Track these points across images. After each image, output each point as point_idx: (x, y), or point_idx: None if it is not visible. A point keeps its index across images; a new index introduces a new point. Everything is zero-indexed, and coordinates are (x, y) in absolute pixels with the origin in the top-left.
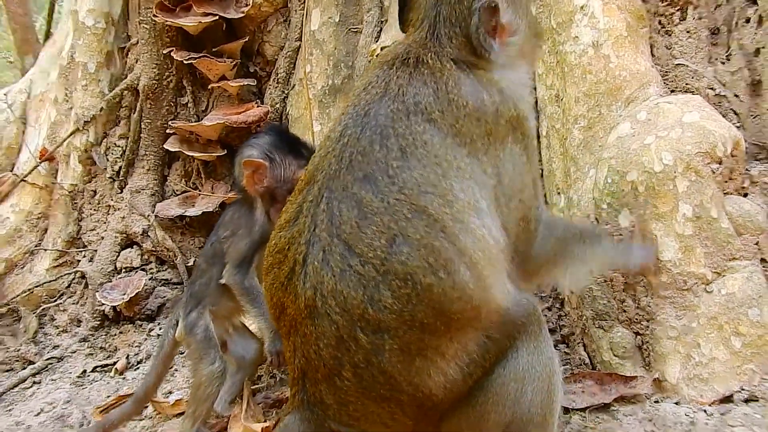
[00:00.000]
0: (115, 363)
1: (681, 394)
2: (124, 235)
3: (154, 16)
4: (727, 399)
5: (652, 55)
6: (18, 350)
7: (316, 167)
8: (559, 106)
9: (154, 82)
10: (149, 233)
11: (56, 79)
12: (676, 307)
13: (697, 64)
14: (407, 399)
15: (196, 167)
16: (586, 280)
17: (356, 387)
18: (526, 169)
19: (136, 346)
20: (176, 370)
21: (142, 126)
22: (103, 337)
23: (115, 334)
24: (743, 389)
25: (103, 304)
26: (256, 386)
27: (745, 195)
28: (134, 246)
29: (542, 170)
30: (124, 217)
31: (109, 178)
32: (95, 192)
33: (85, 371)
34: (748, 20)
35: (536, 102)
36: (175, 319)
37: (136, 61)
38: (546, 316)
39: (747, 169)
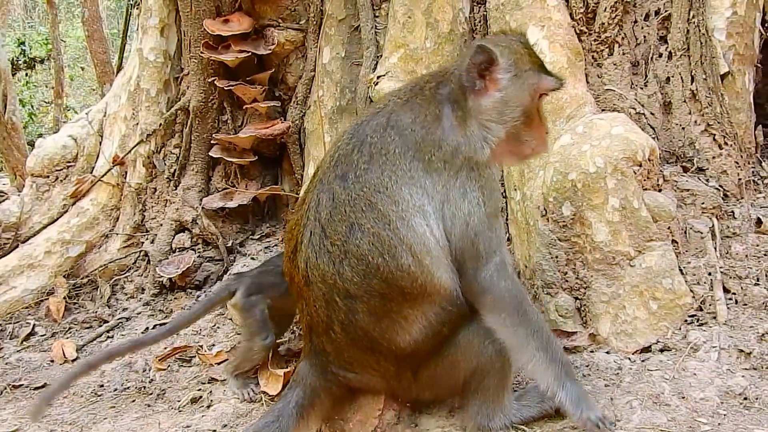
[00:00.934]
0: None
1: (611, 346)
2: (178, 222)
3: (201, 53)
4: (646, 349)
5: (587, 82)
6: (95, 312)
7: (321, 165)
8: None
9: (201, 103)
10: (197, 221)
11: (126, 101)
12: (607, 278)
13: (621, 89)
14: (385, 350)
15: (234, 170)
16: (518, 361)
17: (345, 339)
18: (477, 202)
19: (187, 309)
20: (218, 327)
21: (192, 138)
22: (162, 302)
23: (171, 300)
24: (659, 341)
25: (162, 276)
26: (280, 340)
27: (660, 190)
28: (186, 231)
29: (503, 174)
30: (177, 209)
31: (167, 178)
32: (155, 189)
33: (147, 329)
34: (660, 55)
35: None
36: (234, 288)
37: (188, 88)
38: None
39: (661, 170)
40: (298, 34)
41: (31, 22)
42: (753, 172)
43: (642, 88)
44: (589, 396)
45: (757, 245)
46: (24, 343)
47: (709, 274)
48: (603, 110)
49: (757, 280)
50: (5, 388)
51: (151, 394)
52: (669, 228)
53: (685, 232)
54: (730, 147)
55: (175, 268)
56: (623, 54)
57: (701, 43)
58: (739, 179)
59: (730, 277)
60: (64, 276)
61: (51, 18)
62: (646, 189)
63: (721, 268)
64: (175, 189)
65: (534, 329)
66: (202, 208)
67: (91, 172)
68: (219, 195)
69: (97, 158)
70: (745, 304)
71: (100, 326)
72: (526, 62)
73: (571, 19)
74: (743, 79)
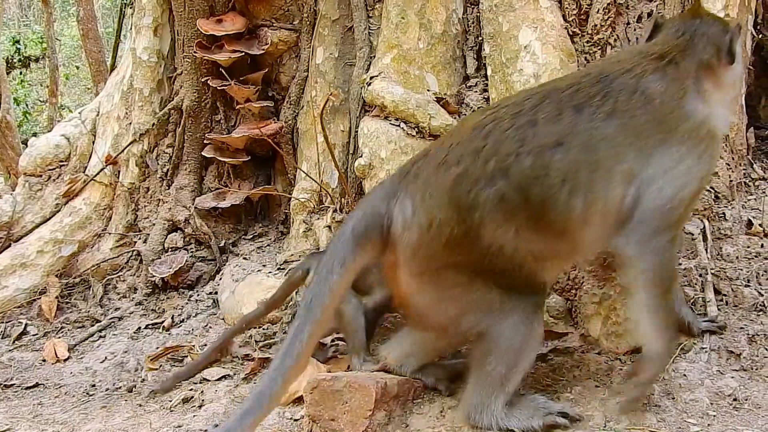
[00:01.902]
0: (163, 322)
1: (602, 347)
2: (171, 222)
3: (194, 52)
4: (637, 350)
5: None
6: (88, 311)
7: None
8: None
9: (194, 103)
10: (190, 221)
11: (119, 100)
12: (598, 279)
13: None
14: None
15: (227, 170)
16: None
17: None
18: (699, 175)
19: (180, 309)
20: (210, 327)
21: (185, 138)
22: (154, 301)
23: (164, 299)
24: None
25: (154, 275)
26: None
27: None
28: (178, 231)
29: None
30: (170, 208)
31: (159, 178)
32: (148, 189)
33: (139, 328)
34: None
35: None
36: (307, 266)
37: (181, 87)
38: None
39: None
40: (292, 34)
41: (26, 20)
42: (744, 173)
43: None
44: None
45: (748, 247)
46: (16, 342)
47: (700, 275)
48: None
49: (748, 281)
50: None
51: (143, 393)
52: None
53: None
54: (721, 149)
55: (167, 267)
56: None
57: None
58: (731, 181)
59: (721, 279)
60: (56, 275)
61: (46, 16)
62: None
63: (712, 269)
64: (168, 188)
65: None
66: (195, 207)
67: (84, 172)
68: (212, 195)
69: (90, 157)
70: (736, 306)
71: (93, 326)
72: None
73: (564, 21)
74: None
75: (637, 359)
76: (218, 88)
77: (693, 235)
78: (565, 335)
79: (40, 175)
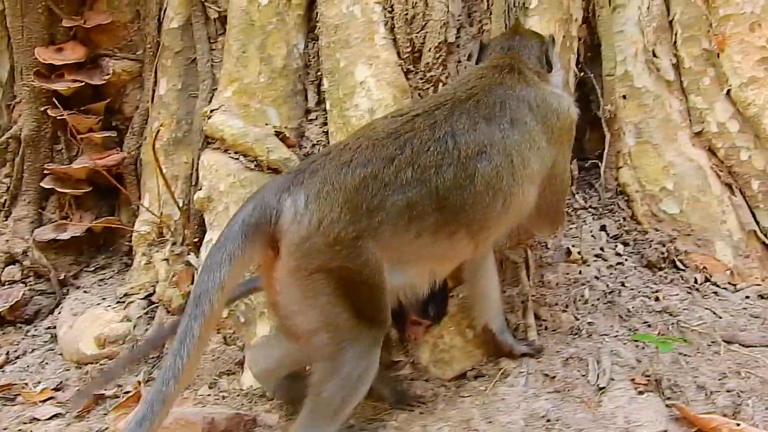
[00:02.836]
0: None
1: (430, 373)
2: (8, 254)
3: (32, 81)
4: (462, 376)
5: None
6: None
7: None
8: None
9: (33, 132)
10: (28, 253)
11: None
12: None
13: None
14: None
15: (68, 201)
16: None
17: None
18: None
19: (15, 345)
20: (46, 363)
21: (24, 168)
22: None
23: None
24: (474, 368)
25: None
26: None
27: None
28: (16, 263)
29: None
30: (8, 240)
31: None
32: None
33: None
34: None
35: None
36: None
37: (20, 116)
38: None
39: None
40: (135, 64)
41: None
42: (567, 203)
43: None
44: None
45: (567, 274)
46: None
47: (522, 302)
48: None
49: (566, 306)
50: None
51: None
52: None
53: (502, 263)
54: None
55: (2, 301)
56: None
57: None
58: None
59: (541, 305)
60: None
61: None
62: None
63: (533, 296)
64: (6, 220)
65: None
66: (34, 239)
67: None
68: (51, 226)
69: None
70: (554, 330)
71: None
72: None
73: (398, 58)
74: None
75: None
76: (58, 117)
77: (516, 263)
78: (397, 363)
79: None
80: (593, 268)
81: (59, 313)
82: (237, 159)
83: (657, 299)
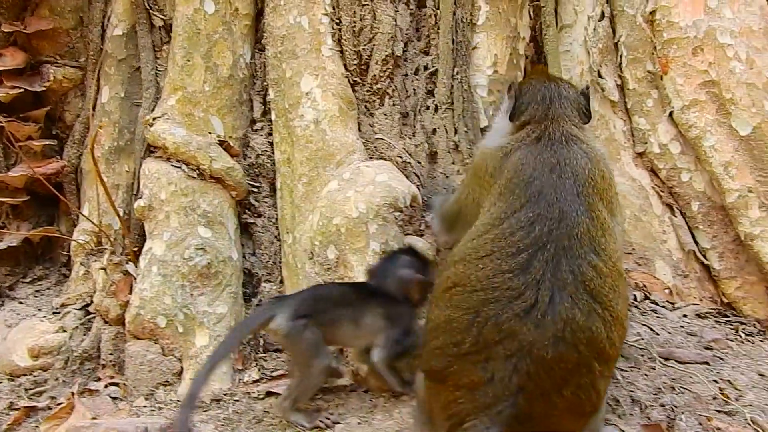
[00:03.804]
0: None
1: (369, 384)
2: None
3: None
4: None
5: (360, 131)
6: None
7: None
8: (289, 167)
9: None
10: None
11: None
12: None
13: (391, 138)
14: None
15: (5, 210)
16: None
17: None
18: None
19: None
20: None
21: None
22: None
23: None
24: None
25: None
26: None
27: (421, 235)
28: None
29: (277, 216)
30: None
31: None
32: None
33: None
34: (428, 108)
35: (275, 163)
36: (272, 313)
37: None
38: None
39: (423, 216)
40: (77, 71)
41: None
42: None
43: (410, 138)
44: None
45: None
46: None
47: None
48: (372, 158)
49: None
50: None
51: None
52: None
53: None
54: None
55: None
56: (393, 105)
57: (464, 98)
58: None
59: None
60: None
61: None
62: (407, 234)
63: None
64: None
65: None
66: None
67: None
68: None
69: None
70: None
71: None
72: None
73: (345, 70)
74: None
75: None
76: None
77: None
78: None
79: None
80: None
81: None
82: (179, 167)
83: None
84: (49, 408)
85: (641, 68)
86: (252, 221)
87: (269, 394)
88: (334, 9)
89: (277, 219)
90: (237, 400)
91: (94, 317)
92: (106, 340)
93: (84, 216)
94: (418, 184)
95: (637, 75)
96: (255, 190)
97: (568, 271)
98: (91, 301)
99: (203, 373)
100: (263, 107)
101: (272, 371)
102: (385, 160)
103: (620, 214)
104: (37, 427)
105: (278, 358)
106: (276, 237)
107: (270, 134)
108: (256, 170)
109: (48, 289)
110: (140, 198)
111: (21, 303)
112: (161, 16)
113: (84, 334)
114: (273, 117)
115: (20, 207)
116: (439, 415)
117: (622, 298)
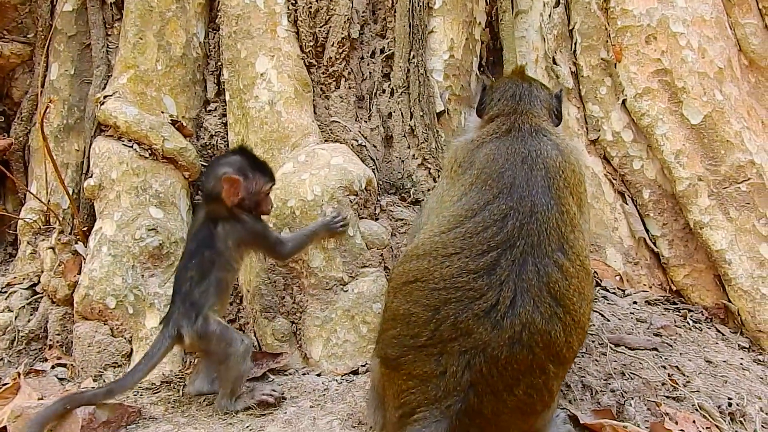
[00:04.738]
0: None
1: (322, 368)
2: None
3: None
4: (355, 371)
5: (315, 113)
6: None
7: None
8: None
9: None
10: None
11: None
12: (321, 302)
13: (347, 121)
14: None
15: None
16: None
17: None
18: None
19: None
20: None
21: None
22: None
23: None
24: (367, 363)
25: None
26: None
27: (376, 219)
28: None
29: None
30: None
31: None
32: None
33: None
34: (384, 91)
35: (228, 144)
36: (173, 332)
37: None
38: (228, 309)
39: (378, 200)
40: (25, 47)
41: None
42: None
43: (366, 122)
44: None
45: None
46: None
47: None
48: (327, 141)
49: None
50: None
51: None
52: (382, 255)
53: (398, 258)
54: None
55: None
56: (349, 88)
57: (420, 82)
58: None
59: None
60: None
61: None
62: (362, 217)
63: None
64: None
65: None
66: None
67: None
68: None
69: None
70: None
71: None
72: None
73: (301, 51)
74: (459, 118)
75: None
76: None
77: None
78: (280, 356)
79: None
80: None
81: None
82: (131, 147)
83: None
84: None
85: (595, 56)
86: None
87: None
88: None
89: None
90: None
91: (41, 297)
92: (53, 320)
93: (32, 194)
94: (373, 167)
95: (591, 62)
96: None
97: (534, 272)
98: (38, 281)
99: (104, 391)
100: (217, 87)
101: None
102: (341, 143)
103: (587, 212)
104: None
105: None
106: None
107: (224, 115)
108: (210, 151)
109: None
110: (90, 177)
111: None
112: None
113: (30, 314)
114: (227, 98)
115: None
116: (392, 402)
117: (587, 301)
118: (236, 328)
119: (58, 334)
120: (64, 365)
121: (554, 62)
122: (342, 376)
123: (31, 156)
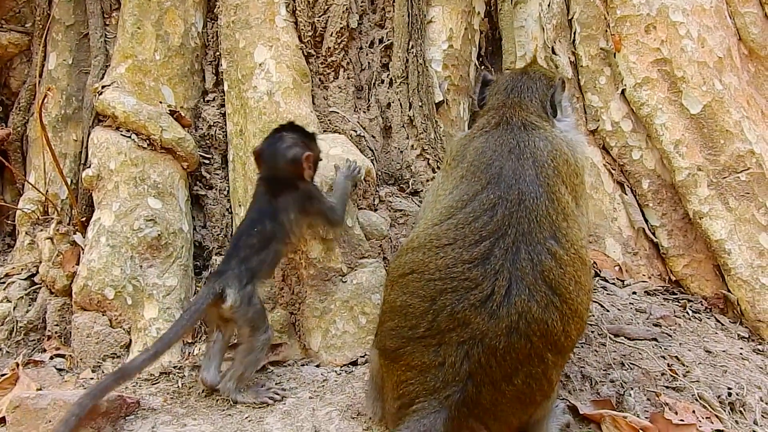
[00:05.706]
0: None
1: (321, 359)
2: None
3: None
4: (354, 363)
5: (314, 104)
6: None
7: None
8: (242, 138)
9: None
10: None
11: None
12: (319, 293)
13: (345, 112)
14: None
15: None
16: None
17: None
18: None
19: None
20: None
21: None
22: None
23: None
24: (366, 354)
25: None
26: None
27: (375, 210)
28: None
29: (228, 188)
30: None
31: None
32: None
33: None
34: (383, 81)
35: (227, 135)
36: (217, 289)
37: None
38: None
39: (377, 191)
40: (23, 37)
41: None
42: None
43: (365, 112)
44: None
45: None
46: None
47: None
48: (325, 131)
49: None
50: None
51: None
52: (381, 246)
53: (396, 250)
54: None
55: None
56: (348, 78)
57: (419, 73)
58: None
59: None
60: None
61: None
62: (361, 208)
63: None
64: None
65: None
66: None
67: None
68: None
69: None
70: None
71: None
72: None
73: (299, 41)
74: (458, 109)
75: None
76: None
77: None
78: (279, 347)
79: None
80: None
81: None
82: (129, 137)
83: None
84: None
85: (594, 45)
86: (203, 193)
87: None
88: None
89: (228, 191)
90: (186, 374)
91: (39, 288)
92: (51, 311)
93: (30, 184)
94: (372, 158)
95: (591, 52)
96: (206, 161)
97: (528, 260)
98: (37, 272)
99: (150, 354)
100: (215, 78)
101: None
102: (340, 133)
103: (585, 204)
104: None
105: None
106: (227, 209)
107: (222, 105)
108: (208, 141)
109: None
110: (89, 167)
111: None
112: None
113: (29, 305)
114: (225, 88)
115: None
116: (390, 393)
117: (584, 290)
118: None
119: (57, 325)
120: (63, 356)
121: (553, 52)
122: (341, 367)
123: (30, 146)
